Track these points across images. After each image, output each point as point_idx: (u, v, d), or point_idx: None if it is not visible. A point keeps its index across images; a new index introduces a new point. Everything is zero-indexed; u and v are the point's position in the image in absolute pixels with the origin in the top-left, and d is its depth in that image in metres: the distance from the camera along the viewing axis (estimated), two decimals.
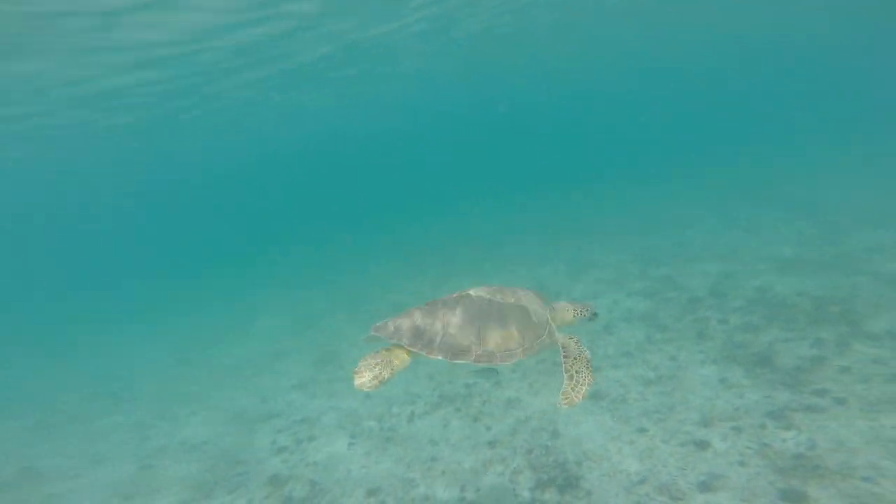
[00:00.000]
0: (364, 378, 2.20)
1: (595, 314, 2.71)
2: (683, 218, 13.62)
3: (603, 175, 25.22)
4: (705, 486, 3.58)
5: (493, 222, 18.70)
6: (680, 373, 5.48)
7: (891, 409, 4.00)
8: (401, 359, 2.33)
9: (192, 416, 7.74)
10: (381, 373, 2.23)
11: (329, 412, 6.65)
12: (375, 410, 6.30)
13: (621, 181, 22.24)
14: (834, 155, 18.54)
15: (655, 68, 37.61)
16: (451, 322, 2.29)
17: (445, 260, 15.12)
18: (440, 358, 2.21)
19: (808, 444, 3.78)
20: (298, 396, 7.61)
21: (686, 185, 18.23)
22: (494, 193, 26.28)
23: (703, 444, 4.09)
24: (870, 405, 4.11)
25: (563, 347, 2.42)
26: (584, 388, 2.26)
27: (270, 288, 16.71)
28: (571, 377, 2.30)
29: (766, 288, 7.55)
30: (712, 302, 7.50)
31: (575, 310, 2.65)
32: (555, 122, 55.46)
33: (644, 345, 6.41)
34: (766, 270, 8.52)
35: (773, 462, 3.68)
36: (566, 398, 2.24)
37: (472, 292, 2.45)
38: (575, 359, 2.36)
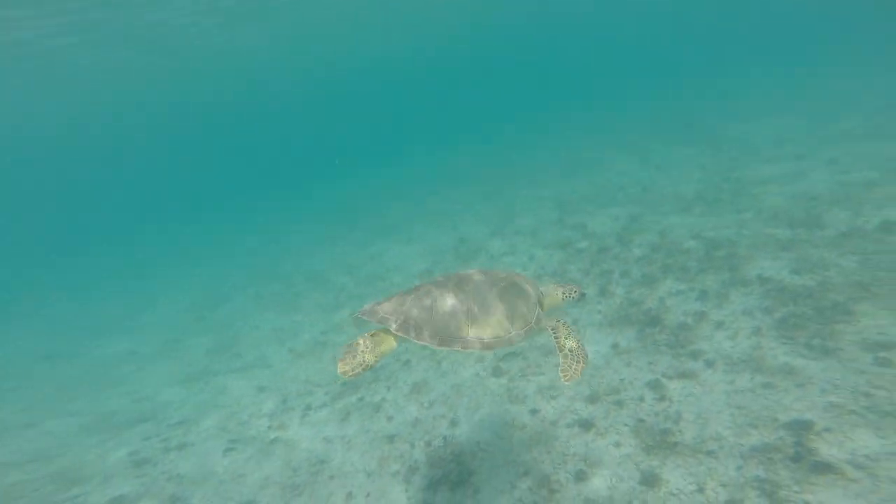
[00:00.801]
0: (347, 365, 2.18)
1: (583, 294, 2.75)
2: (602, 159, 13.61)
3: (529, 119, 24.61)
4: (581, 476, 3.67)
5: (425, 173, 17.73)
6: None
7: (744, 368, 4.28)
8: (387, 344, 2.31)
9: (34, 426, 6.70)
10: (365, 359, 2.21)
11: (213, 411, 6.10)
12: (266, 406, 5.87)
13: (546, 124, 21.82)
14: (738, 87, 19.14)
15: (575, 10, 35.81)
16: (440, 307, 2.26)
17: (374, 218, 14.27)
18: (428, 344, 2.20)
19: (675, 416, 3.98)
20: (181, 394, 6.93)
21: (604, 124, 18.16)
22: (426, 143, 24.91)
23: (586, 425, 4.19)
24: (731, 366, 4.38)
25: (552, 330, 2.45)
26: (581, 364, 2.34)
27: (174, 264, 14.93)
28: (566, 355, 2.37)
29: (668, 232, 7.77)
30: (619, 250, 7.61)
31: (563, 292, 2.69)
32: (484, 69, 52.33)
33: None
34: (671, 211, 8.76)
35: (643, 440, 3.83)
36: (566, 374, 2.32)
37: (462, 275, 2.43)
38: (566, 337, 2.41)
